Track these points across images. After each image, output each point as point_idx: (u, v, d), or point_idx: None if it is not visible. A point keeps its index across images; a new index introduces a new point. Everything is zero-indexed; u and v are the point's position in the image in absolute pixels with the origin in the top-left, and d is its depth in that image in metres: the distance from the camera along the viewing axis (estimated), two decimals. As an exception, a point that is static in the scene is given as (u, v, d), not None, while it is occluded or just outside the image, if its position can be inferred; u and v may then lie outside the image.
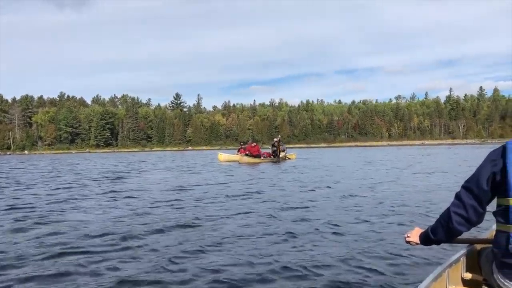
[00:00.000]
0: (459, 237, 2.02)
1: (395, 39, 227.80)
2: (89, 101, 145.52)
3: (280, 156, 28.66)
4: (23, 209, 8.62)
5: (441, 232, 1.99)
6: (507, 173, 1.75)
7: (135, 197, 10.27)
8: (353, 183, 12.78)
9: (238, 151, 28.99)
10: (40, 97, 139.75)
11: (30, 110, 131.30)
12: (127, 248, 5.16)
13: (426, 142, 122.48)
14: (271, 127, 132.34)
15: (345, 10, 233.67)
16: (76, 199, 10.20)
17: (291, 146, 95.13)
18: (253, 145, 28.48)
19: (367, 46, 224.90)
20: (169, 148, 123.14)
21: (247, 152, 27.27)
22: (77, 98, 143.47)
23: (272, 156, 28.23)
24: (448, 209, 1.95)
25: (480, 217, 1.90)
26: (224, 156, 30.48)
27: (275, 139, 29.17)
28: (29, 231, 6.36)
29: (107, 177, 17.58)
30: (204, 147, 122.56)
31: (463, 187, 1.92)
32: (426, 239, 2.08)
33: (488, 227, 2.60)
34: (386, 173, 16.36)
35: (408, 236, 2.17)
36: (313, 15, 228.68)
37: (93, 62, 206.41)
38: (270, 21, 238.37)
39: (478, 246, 2.29)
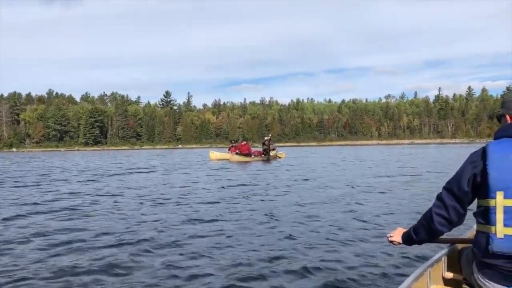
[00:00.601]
0: (441, 237, 2.05)
1: (384, 39, 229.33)
2: (78, 99, 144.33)
3: (271, 154, 28.68)
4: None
5: (423, 232, 2.01)
6: (487, 174, 1.78)
7: (128, 197, 10.21)
8: (337, 180, 12.85)
9: (229, 150, 28.96)
10: (28, 94, 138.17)
11: (17, 107, 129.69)
12: (121, 248, 5.12)
13: (416, 141, 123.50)
14: (261, 126, 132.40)
15: (335, 10, 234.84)
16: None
17: (281, 144, 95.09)
18: (243, 143, 28.47)
19: (356, 46, 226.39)
20: (158, 147, 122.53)
21: (237, 151, 27.28)
22: (66, 96, 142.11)
23: (263, 155, 28.25)
24: (430, 209, 1.97)
25: (461, 218, 1.93)
26: (216, 154, 30.41)
27: (266, 138, 29.14)
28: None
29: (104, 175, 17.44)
30: (194, 146, 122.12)
31: (445, 188, 1.95)
32: (408, 239, 2.10)
33: (469, 227, 2.64)
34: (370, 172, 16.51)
35: (390, 236, 2.19)
36: (304, 14, 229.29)
37: (81, 59, 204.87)
38: (260, 19, 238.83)
39: (459, 246, 2.32)
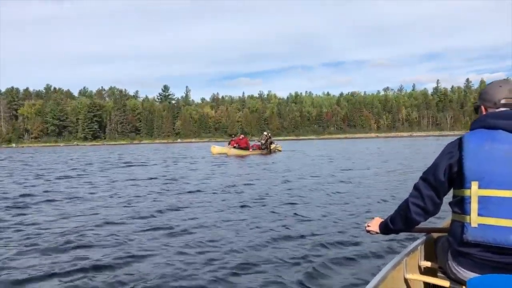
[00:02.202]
0: (417, 226, 2.07)
1: (381, 32, 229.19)
2: (76, 94, 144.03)
3: (271, 148, 29.05)
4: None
5: (400, 221, 2.04)
6: (463, 164, 1.80)
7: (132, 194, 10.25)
8: (325, 175, 12.98)
9: (229, 144, 29.13)
10: (26, 90, 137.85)
11: (15, 102, 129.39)
12: (119, 244, 5.04)
13: (415, 134, 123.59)
14: (260, 120, 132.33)
15: (332, 4, 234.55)
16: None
17: (280, 138, 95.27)
18: (241, 137, 28.67)
19: (353, 39, 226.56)
20: (158, 141, 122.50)
21: (235, 145, 27.47)
22: (64, 91, 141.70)
23: (262, 148, 28.49)
24: (407, 199, 1.99)
25: (437, 208, 1.95)
26: (217, 148, 30.54)
27: (265, 133, 29.58)
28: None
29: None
30: (193, 140, 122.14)
31: (421, 178, 1.97)
32: (386, 228, 2.13)
33: (445, 217, 2.67)
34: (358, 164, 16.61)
35: (368, 226, 2.22)
36: (300, 8, 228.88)
37: (79, 54, 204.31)
38: (257, 13, 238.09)
39: (435, 235, 2.35)
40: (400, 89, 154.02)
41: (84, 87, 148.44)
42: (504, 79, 2.02)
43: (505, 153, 1.75)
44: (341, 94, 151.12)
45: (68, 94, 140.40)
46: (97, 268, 4.09)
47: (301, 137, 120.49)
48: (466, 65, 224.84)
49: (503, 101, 1.87)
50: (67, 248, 4.83)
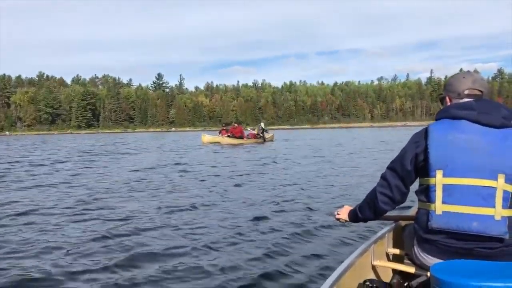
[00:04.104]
0: (385, 214, 2.12)
1: (375, 21, 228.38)
2: (68, 81, 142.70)
3: (267, 137, 29.22)
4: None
5: (368, 210, 2.08)
6: (428, 153, 1.84)
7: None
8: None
9: (220, 133, 29.03)
10: (18, 77, 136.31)
11: (8, 90, 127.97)
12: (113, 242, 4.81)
13: (409, 123, 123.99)
14: (255, 109, 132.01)
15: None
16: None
17: (275, 127, 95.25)
18: (235, 126, 28.58)
19: (347, 28, 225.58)
20: (152, 129, 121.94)
21: (229, 134, 27.35)
22: (57, 78, 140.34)
23: (257, 137, 28.58)
24: (374, 189, 2.03)
25: (403, 196, 2.00)
26: (208, 137, 30.44)
27: (262, 124, 29.70)
28: None
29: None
30: (188, 129, 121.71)
31: (388, 168, 2.00)
32: (354, 216, 2.17)
33: (412, 206, 2.73)
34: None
35: (337, 214, 2.26)
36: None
37: (71, 42, 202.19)
38: (251, 1, 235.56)
39: (402, 223, 2.40)
40: (394, 79, 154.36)
41: (77, 75, 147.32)
42: (467, 70, 2.06)
43: (467, 142, 1.79)
44: (335, 84, 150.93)
45: (61, 82, 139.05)
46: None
47: (295, 127, 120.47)
48: (460, 54, 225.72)
49: (466, 92, 1.92)
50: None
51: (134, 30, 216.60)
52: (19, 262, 3.96)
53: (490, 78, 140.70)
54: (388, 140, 29.06)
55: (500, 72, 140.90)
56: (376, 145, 23.17)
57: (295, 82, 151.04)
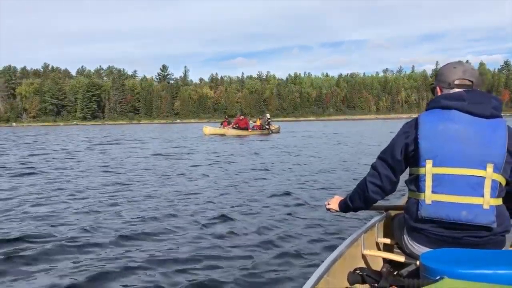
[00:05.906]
0: (375, 204, 2.14)
1: (379, 12, 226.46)
2: (74, 73, 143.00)
3: (272, 129, 29.36)
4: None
5: (358, 200, 2.09)
6: (418, 144, 1.84)
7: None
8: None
9: (222, 124, 29.05)
10: (24, 68, 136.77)
11: (13, 81, 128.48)
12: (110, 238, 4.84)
13: (414, 115, 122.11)
14: (259, 100, 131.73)
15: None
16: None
17: (280, 119, 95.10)
18: (241, 118, 28.55)
19: (352, 19, 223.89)
20: (156, 121, 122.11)
21: (234, 125, 27.36)
22: (62, 70, 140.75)
23: (262, 129, 28.66)
24: (365, 178, 2.04)
25: (393, 186, 2.01)
26: (210, 129, 30.44)
27: (267, 115, 29.98)
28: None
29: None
30: (192, 120, 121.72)
31: (379, 158, 2.01)
32: (345, 206, 2.18)
33: (402, 195, 2.75)
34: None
35: (328, 204, 2.26)
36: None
37: (76, 33, 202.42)
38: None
39: (392, 213, 2.41)
40: (400, 71, 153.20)
41: (82, 66, 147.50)
42: (458, 61, 2.05)
43: (457, 132, 1.80)
44: (340, 75, 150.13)
45: (66, 73, 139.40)
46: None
47: (300, 118, 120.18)
48: (465, 46, 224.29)
49: (456, 82, 1.92)
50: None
51: (139, 21, 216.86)
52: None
53: (496, 70, 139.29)
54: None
55: (507, 64, 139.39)
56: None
57: (299, 74, 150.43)
